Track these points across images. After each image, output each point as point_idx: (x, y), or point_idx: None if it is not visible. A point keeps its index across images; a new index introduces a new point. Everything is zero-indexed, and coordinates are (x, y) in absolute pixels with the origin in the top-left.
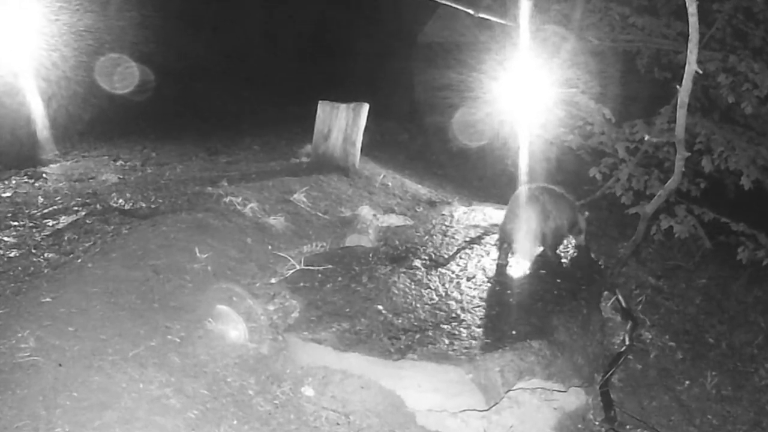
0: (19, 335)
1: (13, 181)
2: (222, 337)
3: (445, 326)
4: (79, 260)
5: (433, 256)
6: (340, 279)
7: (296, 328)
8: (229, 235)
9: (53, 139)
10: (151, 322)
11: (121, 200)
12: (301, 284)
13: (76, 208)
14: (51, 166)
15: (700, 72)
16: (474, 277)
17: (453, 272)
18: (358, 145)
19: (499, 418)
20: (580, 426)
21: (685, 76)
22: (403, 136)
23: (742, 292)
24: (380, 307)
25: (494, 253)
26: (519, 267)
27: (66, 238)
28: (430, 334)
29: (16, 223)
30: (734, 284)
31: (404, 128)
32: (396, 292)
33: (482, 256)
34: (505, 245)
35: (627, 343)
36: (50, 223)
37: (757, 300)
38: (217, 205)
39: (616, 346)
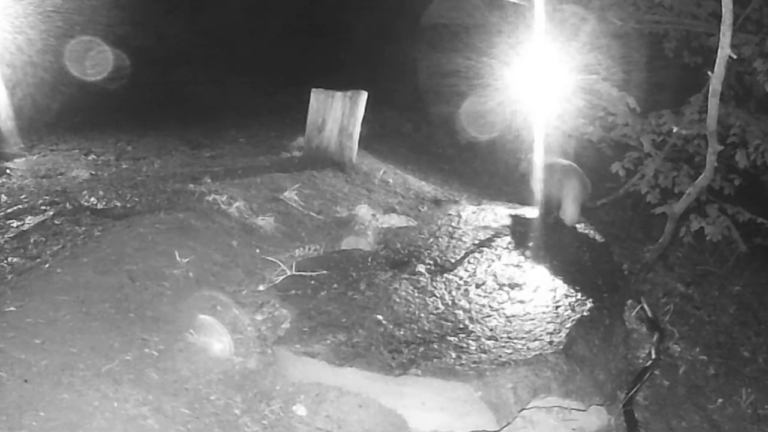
0: None
1: None
2: (205, 351)
3: (452, 338)
4: (47, 265)
5: (439, 260)
6: (335, 286)
7: (287, 341)
8: (212, 238)
9: (18, 131)
10: (126, 334)
11: (93, 199)
12: (293, 292)
13: (43, 208)
14: (15, 160)
15: (734, 57)
16: (484, 283)
17: (460, 278)
18: (356, 137)
19: None
20: None
21: (717, 61)
22: (406, 127)
23: None
24: (380, 317)
25: (506, 257)
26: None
27: (32, 240)
28: (435, 347)
29: None
30: None
31: (407, 119)
32: (397, 300)
33: (493, 261)
34: (552, 213)
35: (653, 356)
36: (14, 224)
37: None
38: (199, 204)
39: (641, 361)
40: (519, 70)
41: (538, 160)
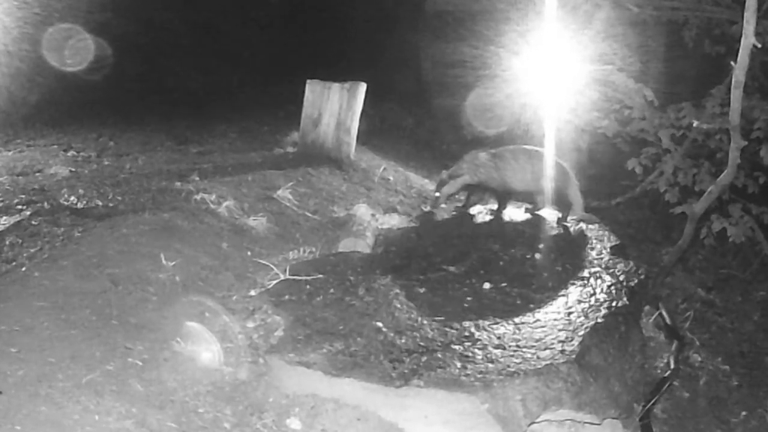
0: None
1: None
2: (192, 360)
3: (457, 347)
4: (24, 269)
5: (442, 263)
6: (332, 291)
7: (280, 350)
8: (200, 239)
9: None
10: (108, 343)
11: (73, 198)
12: (286, 297)
13: (19, 207)
14: None
15: (759, 46)
16: (491, 288)
17: (466, 282)
18: (354, 132)
19: None
20: None
21: (740, 50)
22: (408, 121)
23: None
24: (380, 324)
25: (515, 260)
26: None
27: (7, 242)
28: (439, 356)
29: None
30: None
31: (409, 112)
32: (398, 306)
33: (501, 263)
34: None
35: (672, 366)
36: None
37: None
38: (186, 204)
39: (659, 371)
40: (529, 60)
41: (549, 157)
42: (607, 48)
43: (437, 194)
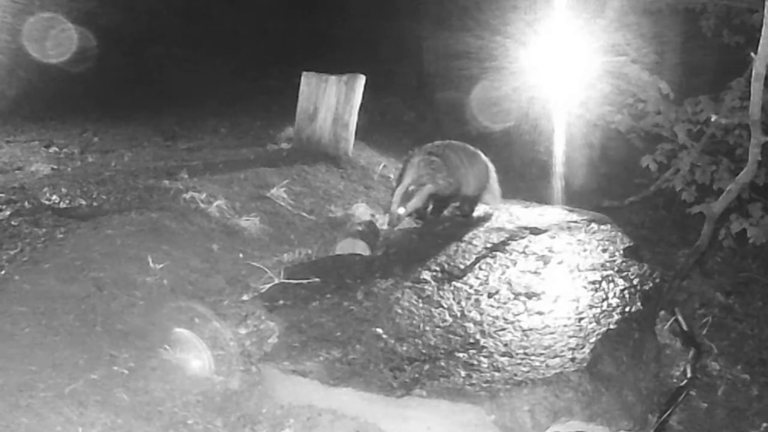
0: None
1: None
2: (181, 369)
3: (461, 354)
4: (3, 272)
5: (446, 266)
6: (329, 295)
7: (274, 357)
8: (190, 241)
9: None
10: (92, 350)
11: (55, 197)
12: (281, 302)
13: None
14: None
15: None
16: (497, 292)
17: (471, 287)
18: (352, 127)
19: None
20: None
21: (761, 40)
22: (409, 115)
23: None
24: (380, 330)
25: (522, 263)
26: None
27: None
28: (442, 364)
29: None
30: None
31: (410, 106)
32: (399, 311)
33: (507, 267)
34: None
35: (689, 375)
36: None
37: None
38: (175, 203)
39: (675, 380)
40: (537, 51)
41: (559, 153)
42: (620, 38)
43: (401, 210)
